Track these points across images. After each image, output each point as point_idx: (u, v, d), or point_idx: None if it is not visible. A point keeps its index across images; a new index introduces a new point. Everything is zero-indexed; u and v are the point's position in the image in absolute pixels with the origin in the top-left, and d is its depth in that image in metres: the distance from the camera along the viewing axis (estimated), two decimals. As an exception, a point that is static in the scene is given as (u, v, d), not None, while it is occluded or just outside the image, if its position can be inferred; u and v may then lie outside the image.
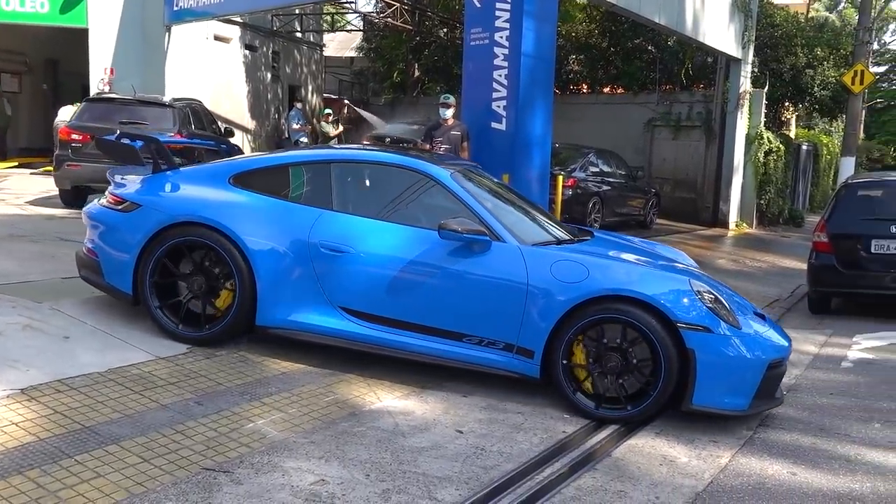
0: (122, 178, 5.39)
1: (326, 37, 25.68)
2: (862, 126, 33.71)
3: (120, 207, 5.04)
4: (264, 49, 19.64)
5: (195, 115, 11.52)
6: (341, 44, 29.58)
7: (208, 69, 16.68)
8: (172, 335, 4.82)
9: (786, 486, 3.68)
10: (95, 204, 5.36)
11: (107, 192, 5.34)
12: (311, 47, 22.52)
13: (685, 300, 4.29)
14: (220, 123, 13.23)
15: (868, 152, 32.80)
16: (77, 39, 15.28)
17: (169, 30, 14.64)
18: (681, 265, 5.26)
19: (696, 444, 4.14)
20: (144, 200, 5.01)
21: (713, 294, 4.45)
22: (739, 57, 16.06)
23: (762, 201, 17.29)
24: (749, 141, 16.65)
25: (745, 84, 16.39)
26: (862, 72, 15.96)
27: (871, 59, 29.86)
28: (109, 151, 6.23)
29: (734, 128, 16.33)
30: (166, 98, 11.17)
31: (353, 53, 27.08)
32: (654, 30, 16.58)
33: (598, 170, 13.63)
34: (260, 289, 4.70)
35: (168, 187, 5.19)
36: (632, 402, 4.33)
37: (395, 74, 22.73)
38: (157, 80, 14.21)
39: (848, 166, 16.28)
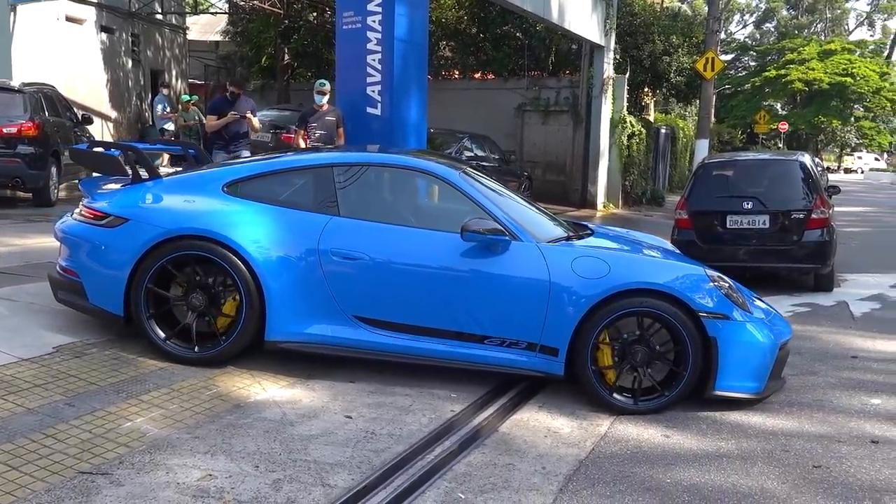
0: (99, 191, 4.95)
1: (189, 20, 24.63)
2: (714, 110, 36.00)
3: (103, 223, 4.61)
4: (122, 32, 18.60)
5: (48, 101, 10.81)
6: (205, 27, 28.45)
7: (61, 52, 15.61)
8: (170, 355, 4.50)
9: (661, 449, 3.91)
10: (69, 219, 4.90)
11: (81, 206, 4.87)
12: (173, 30, 21.52)
13: (704, 289, 4.40)
14: (76, 110, 12.44)
15: (719, 135, 35.06)
16: None
17: (14, 9, 13.56)
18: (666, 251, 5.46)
19: (577, 416, 4.31)
20: (132, 214, 4.59)
21: (727, 281, 4.60)
22: (602, 44, 16.70)
23: (627, 182, 18.13)
24: (613, 125, 17.38)
25: (609, 70, 17.07)
26: (713, 59, 16.98)
27: (719, 48, 31.82)
28: (86, 162, 5.57)
29: (599, 112, 16.99)
30: (14, 83, 10.39)
31: (218, 37, 26.13)
32: (521, 17, 16.96)
33: (472, 154, 13.86)
34: (268, 302, 4.42)
35: (156, 199, 4.79)
36: (658, 393, 4.39)
37: (263, 59, 22.10)
38: (3, 64, 13.14)
39: (703, 148, 17.34)
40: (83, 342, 4.66)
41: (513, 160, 16.04)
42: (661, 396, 4.38)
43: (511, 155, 16.40)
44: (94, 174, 5.57)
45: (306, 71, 21.90)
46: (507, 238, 4.44)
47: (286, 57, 21.67)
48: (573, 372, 4.40)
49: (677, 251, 5.75)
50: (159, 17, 20.52)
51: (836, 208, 9.22)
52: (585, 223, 5.83)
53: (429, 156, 5.45)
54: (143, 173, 5.03)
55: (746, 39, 63.90)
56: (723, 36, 50.10)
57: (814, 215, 8.13)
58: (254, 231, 4.49)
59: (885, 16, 62.08)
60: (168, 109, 15.58)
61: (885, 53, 56.40)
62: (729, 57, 56.83)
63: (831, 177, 33.47)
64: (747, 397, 4.45)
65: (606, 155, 17.33)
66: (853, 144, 62.42)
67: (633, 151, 18.10)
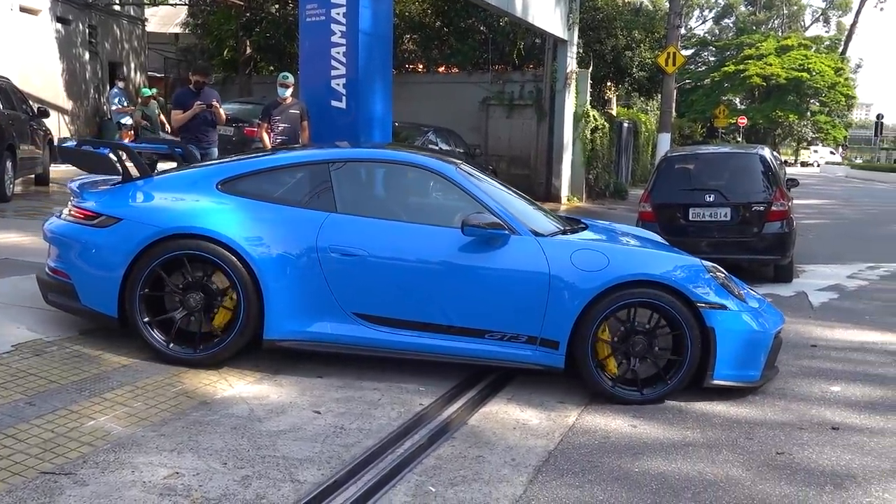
0: (89, 189, 4.85)
1: (148, 11, 24.21)
2: (674, 105, 36.44)
3: (94, 222, 4.52)
4: (79, 23, 18.21)
5: (3, 93, 10.54)
6: (164, 19, 27.97)
7: (15, 44, 15.25)
8: (166, 357, 4.42)
9: (628, 438, 3.95)
10: (57, 219, 4.78)
11: (70, 206, 4.75)
12: (131, 22, 21.14)
13: (702, 280, 4.47)
14: (32, 103, 12.16)
15: (680, 129, 35.50)
16: None
17: (-35, -1, 13.23)
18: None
19: (546, 407, 4.33)
20: (125, 213, 4.52)
21: (722, 272, 4.65)
22: (566, 38, 16.78)
23: (591, 176, 18.26)
24: (577, 119, 17.48)
25: (572, 64, 17.16)
26: (674, 54, 17.21)
27: (680, 43, 32.14)
28: (75, 160, 5.42)
29: (563, 106, 17.08)
30: (-34, 75, 10.11)
31: (178, 29, 25.69)
32: (485, 10, 16.96)
33: (437, 148, 13.80)
34: (266, 301, 4.38)
35: (148, 198, 4.71)
36: (655, 384, 4.46)
37: (224, 52, 21.76)
38: (-46, 55, 12.83)
39: (664, 142, 17.58)
40: (43, 340, 4.56)
41: (478, 154, 16.01)
42: (664, 384, 4.44)
43: (476, 149, 16.38)
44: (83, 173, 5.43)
45: (268, 64, 21.62)
46: (506, 232, 4.45)
47: (248, 50, 21.39)
48: (573, 364, 4.43)
49: (667, 244, 5.81)
50: (117, 7, 20.12)
51: (794, 201, 9.39)
52: (578, 217, 5.86)
53: (423, 151, 5.45)
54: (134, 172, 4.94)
55: (706, 35, 64.75)
56: (683, 31, 50.77)
57: (774, 207, 8.27)
58: (250, 229, 4.45)
59: (840, 12, 63.38)
60: (125, 103, 15.26)
61: (840, 49, 57.57)
62: (689, 52, 57.47)
63: (789, 170, 34.07)
64: (745, 385, 4.53)
65: (570, 148, 17.44)
66: (809, 138, 63.67)
67: (597, 145, 18.25)
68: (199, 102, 8.51)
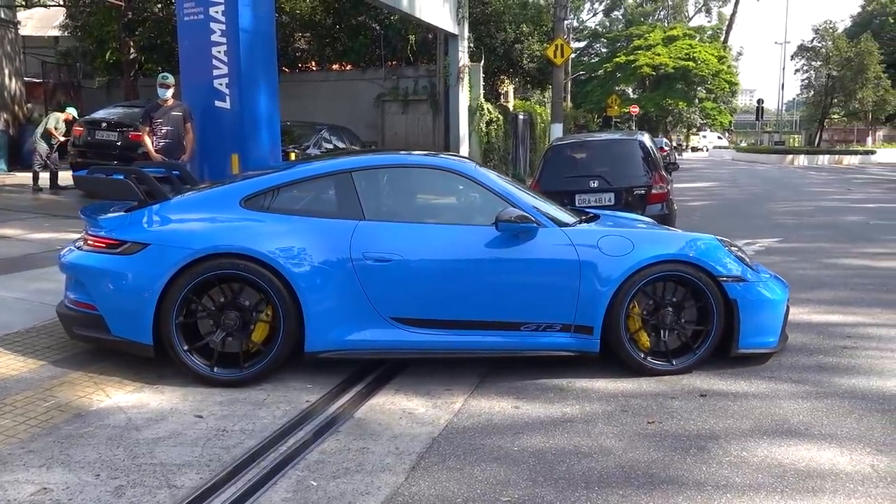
0: (104, 217, 4.59)
1: (24, 14, 23.00)
2: (570, 96, 37.35)
3: (118, 250, 4.32)
4: (-57, 27, 17.13)
5: None
6: (42, 21, 26.65)
7: None
8: (208, 380, 4.30)
9: (511, 419, 4.06)
10: (75, 251, 4.52)
11: (86, 235, 4.50)
12: (2, 25, 20.00)
13: (721, 255, 4.70)
14: None
15: (576, 119, 36.37)
16: None
17: None
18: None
19: (432, 394, 4.40)
20: (151, 238, 4.35)
21: (736, 245, 4.88)
22: (456, 33, 16.96)
23: (488, 167, 18.54)
24: (471, 112, 17.72)
25: (464, 59, 17.37)
26: (562, 45, 17.64)
27: (572, 36, 32.96)
28: (91, 189, 5.19)
29: (457, 100, 17.27)
30: None
31: (57, 32, 24.53)
32: (376, 7, 16.95)
33: (332, 146, 13.71)
34: (306, 314, 4.36)
35: (171, 221, 4.52)
36: (684, 354, 4.70)
37: (107, 54, 20.96)
38: None
39: (557, 131, 18.02)
40: None
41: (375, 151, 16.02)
42: (692, 353, 4.70)
43: (373, 146, 16.39)
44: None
45: (156, 65, 20.94)
46: (534, 225, 4.56)
47: (132, 51, 20.65)
48: (608, 346, 4.61)
49: (662, 225, 6.06)
50: (-14, 11, 19.01)
51: (685, 185, 9.82)
52: (585, 209, 6.00)
53: (440, 154, 5.60)
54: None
55: (597, 27, 66.62)
56: (575, 24, 52.09)
57: (654, 190, 8.61)
58: (283, 243, 4.40)
59: (720, 3, 66.40)
60: None
61: (722, 38, 60.36)
62: (582, 44, 59.14)
63: (681, 155, 35.43)
64: (767, 351, 4.84)
65: (466, 141, 17.65)
66: (698, 124, 66.50)
67: (493, 137, 18.54)
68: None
